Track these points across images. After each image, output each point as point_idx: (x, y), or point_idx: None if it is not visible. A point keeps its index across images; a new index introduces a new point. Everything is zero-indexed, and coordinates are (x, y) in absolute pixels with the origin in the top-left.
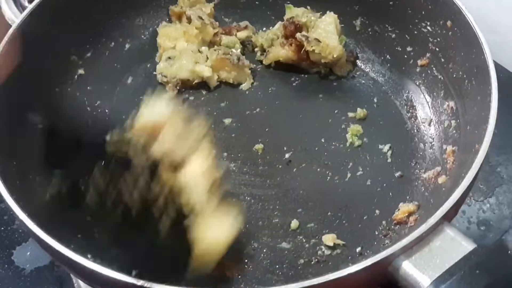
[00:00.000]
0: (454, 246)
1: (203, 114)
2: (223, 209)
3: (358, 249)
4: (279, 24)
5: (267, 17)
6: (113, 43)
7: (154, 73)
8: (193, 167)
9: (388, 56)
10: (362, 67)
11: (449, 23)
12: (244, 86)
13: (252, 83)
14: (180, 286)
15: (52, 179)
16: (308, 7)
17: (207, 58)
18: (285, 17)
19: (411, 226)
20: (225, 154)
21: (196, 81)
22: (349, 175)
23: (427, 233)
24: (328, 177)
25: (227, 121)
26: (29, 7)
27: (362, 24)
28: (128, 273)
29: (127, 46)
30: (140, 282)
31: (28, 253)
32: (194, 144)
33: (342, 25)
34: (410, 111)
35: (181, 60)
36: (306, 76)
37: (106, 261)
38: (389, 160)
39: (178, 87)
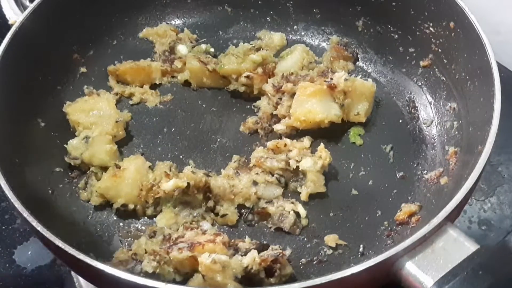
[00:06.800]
0: (457, 247)
1: None
2: None
3: (360, 249)
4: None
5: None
6: (115, 42)
7: None
8: None
9: (390, 56)
10: (364, 67)
11: (452, 24)
12: None
13: None
14: (188, 286)
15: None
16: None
17: None
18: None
19: (413, 226)
20: (227, 155)
21: None
22: (351, 175)
23: (430, 233)
24: (330, 177)
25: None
26: (31, 6)
27: (364, 25)
28: None
29: (129, 44)
30: (142, 281)
31: (29, 252)
32: None
33: (342, 25)
34: (412, 112)
35: None
36: None
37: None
38: (391, 160)
39: None
